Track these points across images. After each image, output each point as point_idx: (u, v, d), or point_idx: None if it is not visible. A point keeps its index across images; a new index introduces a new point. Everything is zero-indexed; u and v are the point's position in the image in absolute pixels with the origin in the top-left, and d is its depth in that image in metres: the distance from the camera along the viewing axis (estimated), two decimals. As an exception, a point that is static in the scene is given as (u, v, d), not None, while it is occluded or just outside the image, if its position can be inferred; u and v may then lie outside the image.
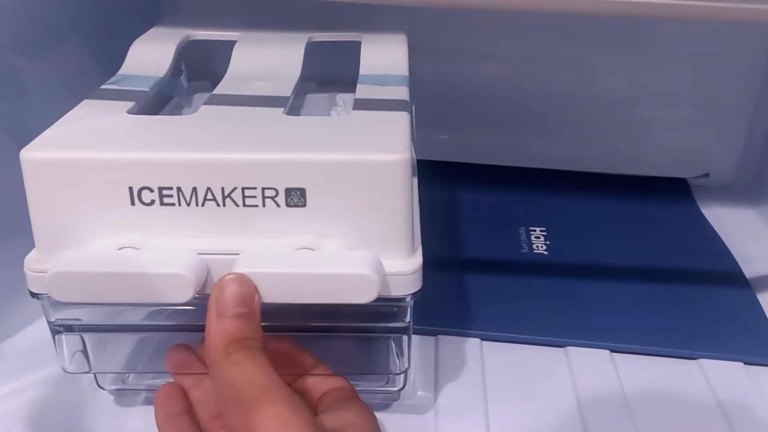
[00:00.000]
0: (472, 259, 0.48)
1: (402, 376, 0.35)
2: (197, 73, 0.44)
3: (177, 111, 0.40)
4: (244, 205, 0.29)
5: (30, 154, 0.28)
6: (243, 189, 0.28)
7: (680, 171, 0.59)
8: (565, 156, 0.59)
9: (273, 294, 0.28)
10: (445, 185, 0.57)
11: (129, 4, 0.47)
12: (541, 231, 0.51)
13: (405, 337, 0.32)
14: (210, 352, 0.27)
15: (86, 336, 0.32)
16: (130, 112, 0.33)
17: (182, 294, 0.27)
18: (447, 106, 0.58)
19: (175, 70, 0.39)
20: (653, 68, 0.56)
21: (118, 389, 0.36)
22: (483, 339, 0.40)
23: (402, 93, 0.35)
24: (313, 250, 0.29)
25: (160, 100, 0.38)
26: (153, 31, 0.42)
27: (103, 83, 0.36)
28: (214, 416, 0.32)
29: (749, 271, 0.47)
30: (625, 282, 0.45)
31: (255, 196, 0.28)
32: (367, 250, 0.29)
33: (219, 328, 0.27)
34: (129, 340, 0.34)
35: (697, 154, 0.59)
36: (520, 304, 0.43)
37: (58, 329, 0.31)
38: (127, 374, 0.36)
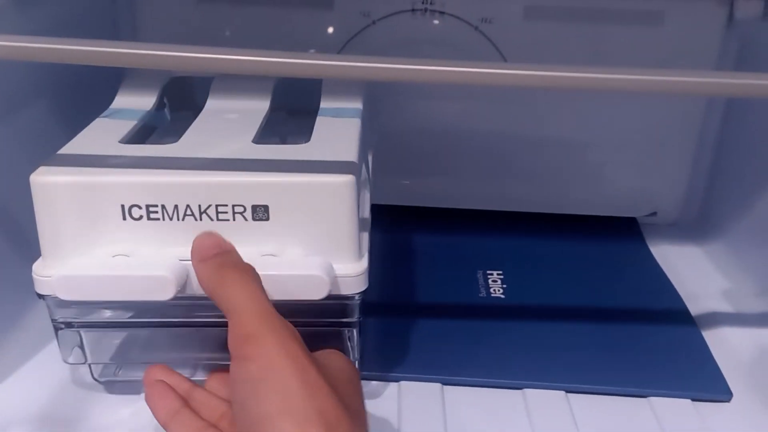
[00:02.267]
0: (431, 303, 0.50)
1: (355, 363, 0.40)
2: (180, 104, 0.49)
3: (162, 139, 0.45)
4: (218, 219, 0.34)
5: (38, 178, 0.34)
6: (216, 206, 0.34)
7: (630, 210, 0.62)
8: (518, 198, 0.61)
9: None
10: (403, 230, 0.59)
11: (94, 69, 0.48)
12: (498, 275, 0.53)
13: (355, 331, 0.38)
14: (206, 286, 0.31)
15: (83, 332, 0.38)
16: (121, 141, 0.39)
17: (165, 292, 0.33)
18: (402, 151, 0.60)
19: (159, 104, 0.45)
20: (602, 112, 0.58)
21: (109, 381, 0.41)
22: (444, 383, 0.42)
23: (355, 124, 0.41)
24: (275, 256, 0.35)
25: (147, 130, 0.43)
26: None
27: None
28: (219, 416, 0.34)
29: (694, 308, 0.50)
30: (579, 323, 0.47)
31: (226, 212, 0.34)
32: (321, 256, 0.35)
33: (206, 264, 0.32)
34: (120, 336, 0.40)
35: (644, 193, 0.62)
36: (480, 348, 0.44)
37: (60, 326, 0.37)
38: (118, 368, 0.41)
